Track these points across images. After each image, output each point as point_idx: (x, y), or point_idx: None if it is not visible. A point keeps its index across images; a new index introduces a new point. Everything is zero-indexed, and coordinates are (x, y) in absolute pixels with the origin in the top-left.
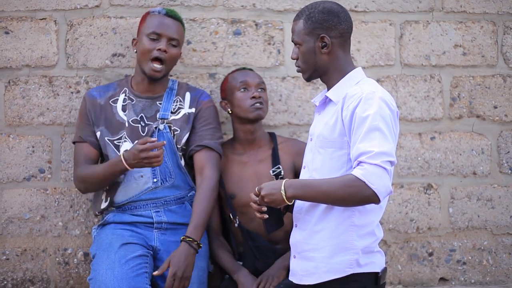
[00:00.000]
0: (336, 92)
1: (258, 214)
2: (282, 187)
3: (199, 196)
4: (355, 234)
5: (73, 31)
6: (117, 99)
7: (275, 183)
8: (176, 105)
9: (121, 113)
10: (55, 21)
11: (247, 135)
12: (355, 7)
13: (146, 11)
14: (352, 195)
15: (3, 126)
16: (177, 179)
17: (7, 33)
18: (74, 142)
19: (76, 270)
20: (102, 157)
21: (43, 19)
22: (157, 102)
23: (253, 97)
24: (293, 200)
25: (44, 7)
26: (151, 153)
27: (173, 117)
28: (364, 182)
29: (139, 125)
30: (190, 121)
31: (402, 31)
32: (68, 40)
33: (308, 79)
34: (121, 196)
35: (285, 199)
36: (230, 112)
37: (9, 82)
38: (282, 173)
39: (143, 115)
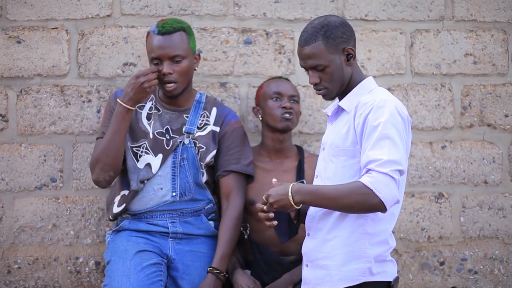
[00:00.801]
0: (348, 101)
1: (267, 223)
2: (290, 193)
3: (224, 225)
4: (367, 242)
5: (85, 41)
6: (143, 105)
7: (282, 189)
8: (203, 120)
9: (145, 121)
10: (66, 30)
11: (275, 143)
12: (366, 16)
13: (157, 21)
14: (359, 203)
15: (15, 135)
16: (196, 194)
17: (19, 42)
18: (97, 138)
19: (88, 279)
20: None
21: (54, 28)
22: (184, 115)
23: (284, 107)
24: (302, 206)
25: (55, 16)
26: (151, 75)
27: (199, 133)
28: (372, 190)
29: (164, 138)
30: (216, 140)
31: (413, 40)
32: (79, 49)
33: (334, 98)
34: (137, 205)
35: (293, 204)
36: (261, 118)
37: (21, 91)
38: None
39: (169, 127)
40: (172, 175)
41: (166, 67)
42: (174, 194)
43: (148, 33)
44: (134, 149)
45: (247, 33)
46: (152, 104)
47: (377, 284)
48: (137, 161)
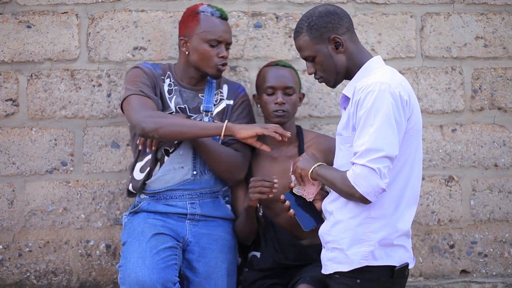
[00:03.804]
0: (349, 87)
1: (289, 212)
2: (311, 169)
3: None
4: (371, 226)
5: (95, 25)
6: (164, 79)
7: (311, 160)
8: (217, 97)
9: (166, 95)
10: (76, 15)
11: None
12: None
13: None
14: (348, 194)
15: (25, 120)
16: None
17: (29, 27)
18: (127, 96)
19: (98, 262)
20: None
21: (64, 13)
22: (199, 95)
23: (277, 103)
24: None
25: (65, 1)
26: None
27: (216, 109)
28: (352, 185)
29: (185, 115)
30: (228, 112)
31: (423, 23)
32: (89, 33)
33: (334, 85)
34: (158, 184)
35: (309, 175)
36: (259, 106)
37: (31, 75)
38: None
39: (186, 106)
40: (193, 154)
41: (224, 51)
42: (195, 172)
43: (198, 11)
44: None
45: (257, 16)
46: (170, 81)
47: (380, 268)
48: None
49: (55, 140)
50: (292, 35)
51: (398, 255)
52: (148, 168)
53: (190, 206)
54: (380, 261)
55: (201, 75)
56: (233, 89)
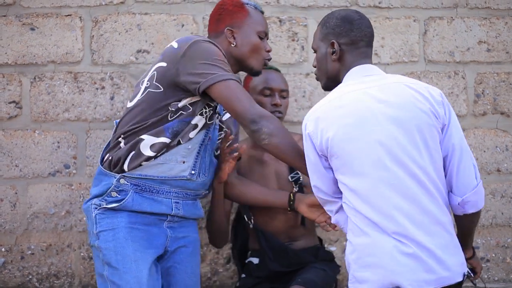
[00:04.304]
0: None
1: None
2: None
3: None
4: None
5: (98, 28)
6: None
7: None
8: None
9: None
10: (80, 17)
11: None
12: (379, 3)
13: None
14: None
15: (28, 122)
16: (208, 178)
17: (33, 29)
18: (227, 79)
19: None
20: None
21: (68, 15)
22: None
23: (275, 104)
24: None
25: (69, 3)
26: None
27: (226, 116)
28: None
29: (212, 111)
30: (236, 125)
31: (426, 27)
32: (93, 36)
33: (325, 88)
34: (154, 170)
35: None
36: None
37: (34, 78)
38: (301, 179)
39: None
40: (197, 152)
41: (268, 45)
42: (193, 172)
43: (244, 3)
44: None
45: None
46: None
47: None
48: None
49: (58, 142)
50: (295, 38)
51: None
52: (164, 150)
53: (174, 206)
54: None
55: (239, 70)
56: None
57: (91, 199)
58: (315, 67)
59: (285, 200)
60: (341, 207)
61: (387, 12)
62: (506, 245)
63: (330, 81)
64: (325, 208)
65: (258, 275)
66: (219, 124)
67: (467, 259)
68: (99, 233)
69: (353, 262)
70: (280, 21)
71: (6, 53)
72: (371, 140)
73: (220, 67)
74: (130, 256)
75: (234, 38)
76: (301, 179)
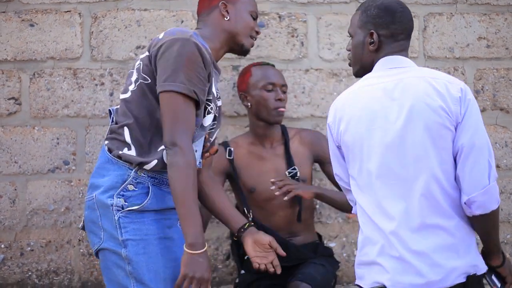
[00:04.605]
0: None
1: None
2: None
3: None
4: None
5: (98, 24)
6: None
7: None
8: (218, 91)
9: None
10: (79, 13)
11: (266, 131)
12: None
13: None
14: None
15: (28, 118)
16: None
17: (32, 25)
18: (176, 92)
19: None
20: None
21: (67, 11)
22: (218, 77)
23: (279, 99)
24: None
25: (68, 0)
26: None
27: (218, 103)
28: None
29: (218, 101)
30: (221, 115)
31: (426, 23)
32: (92, 32)
33: (356, 75)
34: None
35: None
36: (249, 106)
37: (34, 74)
38: (298, 174)
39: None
40: (204, 141)
41: (257, 27)
42: (201, 160)
43: None
44: (206, 102)
45: (260, 16)
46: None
47: None
48: (204, 116)
49: (58, 139)
50: (295, 34)
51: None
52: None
53: None
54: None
55: (229, 47)
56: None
57: (105, 191)
58: (349, 51)
59: (238, 225)
60: None
61: None
62: (505, 241)
63: (363, 70)
64: (347, 197)
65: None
66: (218, 110)
67: (494, 267)
68: (127, 241)
69: (356, 256)
70: (279, 17)
71: (5, 49)
72: (377, 139)
73: (184, 73)
74: (160, 275)
75: (228, 13)
76: (298, 175)
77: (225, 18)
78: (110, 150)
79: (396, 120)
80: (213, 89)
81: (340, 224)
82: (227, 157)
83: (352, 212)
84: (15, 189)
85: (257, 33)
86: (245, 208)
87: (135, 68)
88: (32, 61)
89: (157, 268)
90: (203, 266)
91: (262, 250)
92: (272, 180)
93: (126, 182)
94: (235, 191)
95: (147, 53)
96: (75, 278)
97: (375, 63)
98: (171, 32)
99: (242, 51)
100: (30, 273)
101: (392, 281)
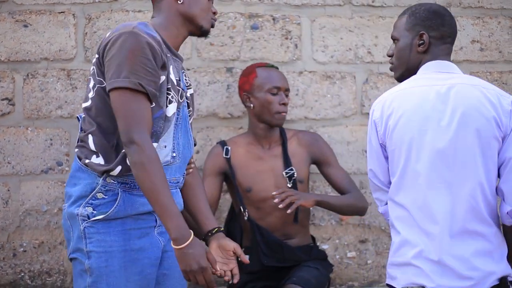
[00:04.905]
0: None
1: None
2: None
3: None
4: None
5: (92, 25)
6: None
7: None
8: (187, 79)
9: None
10: (73, 14)
11: (266, 132)
12: (373, 1)
13: None
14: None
15: (21, 119)
16: (182, 161)
17: (26, 26)
18: (123, 88)
19: None
20: None
21: (61, 12)
22: (180, 65)
23: (283, 104)
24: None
25: (62, 0)
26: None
27: (189, 92)
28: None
29: (180, 89)
30: (194, 104)
31: None
32: (86, 33)
33: (399, 79)
34: None
35: None
36: (252, 107)
37: (27, 75)
38: (295, 175)
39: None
40: (174, 133)
41: (213, 7)
42: (174, 154)
43: None
44: (167, 92)
45: (254, 18)
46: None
47: None
48: (166, 106)
49: (51, 140)
50: (289, 37)
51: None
52: (122, 166)
53: None
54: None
55: (189, 30)
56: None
57: (74, 201)
58: (390, 56)
59: (208, 228)
60: None
61: (381, 11)
62: None
63: (408, 73)
64: (375, 195)
65: (250, 270)
66: (186, 102)
67: None
68: (91, 252)
69: (389, 256)
70: (273, 19)
71: None
72: (428, 141)
73: (128, 67)
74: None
75: None
76: (295, 175)
77: (179, 1)
78: (79, 158)
79: (448, 125)
80: (172, 77)
81: (333, 226)
82: (224, 155)
83: (380, 211)
84: (8, 190)
85: (214, 13)
86: (241, 208)
87: (91, 74)
88: (25, 61)
89: (117, 282)
90: (194, 257)
91: (224, 256)
92: (274, 193)
93: (95, 191)
94: (231, 190)
95: (96, 56)
96: (68, 279)
97: (421, 65)
98: (116, 28)
99: (202, 33)
100: (22, 274)
101: (433, 283)
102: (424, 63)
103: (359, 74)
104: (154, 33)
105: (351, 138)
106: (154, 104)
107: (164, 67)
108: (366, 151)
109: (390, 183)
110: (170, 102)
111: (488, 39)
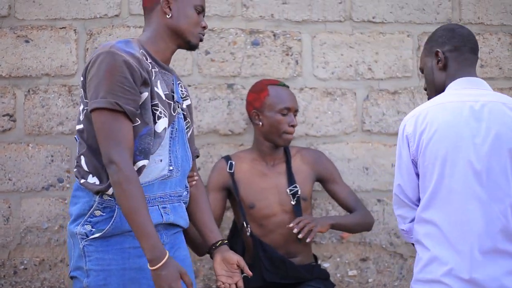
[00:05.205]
0: None
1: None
2: None
3: (206, 204)
4: None
5: (93, 40)
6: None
7: None
8: (182, 88)
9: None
10: (74, 30)
11: (271, 150)
12: (373, 18)
13: None
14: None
15: (22, 135)
16: (181, 174)
17: (27, 41)
18: (101, 108)
19: None
20: None
21: (63, 28)
22: (171, 78)
23: (293, 125)
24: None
25: (64, 16)
26: None
27: (185, 103)
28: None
29: (172, 102)
30: (191, 115)
31: (420, 43)
32: (87, 49)
33: None
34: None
35: None
36: (260, 125)
37: (28, 91)
38: (299, 192)
39: (171, 92)
40: (170, 146)
41: (204, 22)
42: (171, 168)
43: None
44: (153, 108)
45: (255, 34)
46: (146, 59)
47: None
48: (156, 122)
49: (52, 156)
50: (290, 53)
51: None
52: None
53: (163, 211)
54: None
55: (177, 44)
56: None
57: (74, 220)
58: (425, 90)
59: (212, 241)
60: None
61: (381, 27)
62: None
63: (438, 94)
64: (397, 212)
65: (252, 286)
66: (182, 113)
67: None
68: (90, 271)
69: (415, 273)
70: (274, 35)
71: (0, 65)
72: (462, 157)
73: (105, 87)
74: None
75: (170, 9)
76: (299, 193)
77: (167, 16)
78: (77, 177)
79: (483, 143)
80: (159, 92)
81: (334, 245)
82: (228, 170)
83: (401, 228)
84: (9, 207)
85: (204, 28)
86: (244, 223)
87: (80, 97)
88: (27, 77)
89: None
90: (167, 279)
91: (229, 270)
92: (291, 225)
93: (93, 208)
94: (234, 206)
95: (82, 78)
96: None
97: (447, 82)
98: (96, 50)
99: (190, 47)
100: None
101: None
102: (449, 78)
103: (360, 91)
104: (134, 50)
105: (351, 155)
106: (139, 122)
107: (146, 84)
108: (366, 168)
109: (418, 200)
110: (159, 118)
111: (488, 56)
